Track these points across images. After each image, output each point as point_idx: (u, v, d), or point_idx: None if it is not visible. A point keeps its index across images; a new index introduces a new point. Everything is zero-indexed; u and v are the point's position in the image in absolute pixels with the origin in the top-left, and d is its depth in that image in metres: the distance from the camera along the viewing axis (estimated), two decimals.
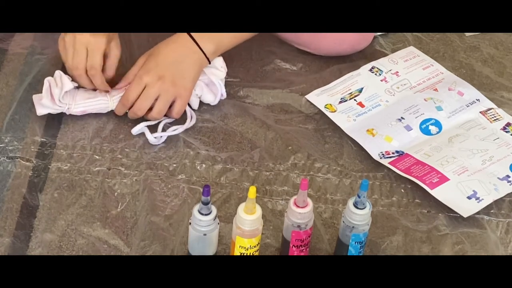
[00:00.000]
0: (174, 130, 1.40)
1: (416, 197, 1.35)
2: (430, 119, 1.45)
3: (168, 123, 1.41)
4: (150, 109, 1.38)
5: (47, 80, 1.36)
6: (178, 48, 1.38)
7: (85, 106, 1.39)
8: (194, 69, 1.38)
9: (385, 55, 1.58)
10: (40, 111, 1.38)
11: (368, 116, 1.46)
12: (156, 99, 1.37)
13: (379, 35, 1.63)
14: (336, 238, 1.23)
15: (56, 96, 1.35)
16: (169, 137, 1.39)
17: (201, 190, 1.13)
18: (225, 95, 1.45)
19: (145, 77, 1.36)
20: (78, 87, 1.40)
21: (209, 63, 1.40)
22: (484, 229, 1.31)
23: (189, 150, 1.38)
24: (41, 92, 1.37)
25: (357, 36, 1.55)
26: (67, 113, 1.39)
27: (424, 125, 1.44)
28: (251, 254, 1.17)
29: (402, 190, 1.36)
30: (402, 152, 1.40)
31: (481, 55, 1.63)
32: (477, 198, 1.33)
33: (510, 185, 1.36)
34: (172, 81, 1.36)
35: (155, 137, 1.38)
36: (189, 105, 1.43)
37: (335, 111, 1.46)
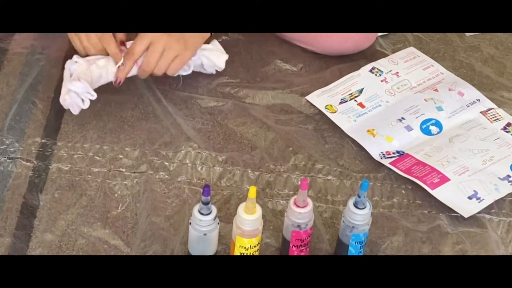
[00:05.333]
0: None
1: (417, 198, 1.35)
2: (431, 119, 1.45)
3: None
4: None
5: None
6: None
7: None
8: (200, 36, 1.42)
9: (385, 55, 1.58)
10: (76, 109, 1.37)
11: (368, 116, 1.46)
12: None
13: (379, 35, 1.63)
14: (336, 238, 1.23)
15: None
16: (169, 137, 1.39)
17: (202, 190, 1.13)
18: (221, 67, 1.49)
19: (150, 35, 1.38)
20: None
21: (210, 34, 1.45)
22: (485, 228, 1.31)
23: (189, 150, 1.38)
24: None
25: (361, 34, 1.55)
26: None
27: (425, 125, 1.44)
28: (251, 254, 1.17)
29: (403, 191, 1.36)
30: (403, 152, 1.40)
31: (481, 55, 1.63)
32: (478, 198, 1.33)
33: (511, 185, 1.36)
34: (177, 39, 1.38)
35: None
36: None
37: (335, 112, 1.46)
